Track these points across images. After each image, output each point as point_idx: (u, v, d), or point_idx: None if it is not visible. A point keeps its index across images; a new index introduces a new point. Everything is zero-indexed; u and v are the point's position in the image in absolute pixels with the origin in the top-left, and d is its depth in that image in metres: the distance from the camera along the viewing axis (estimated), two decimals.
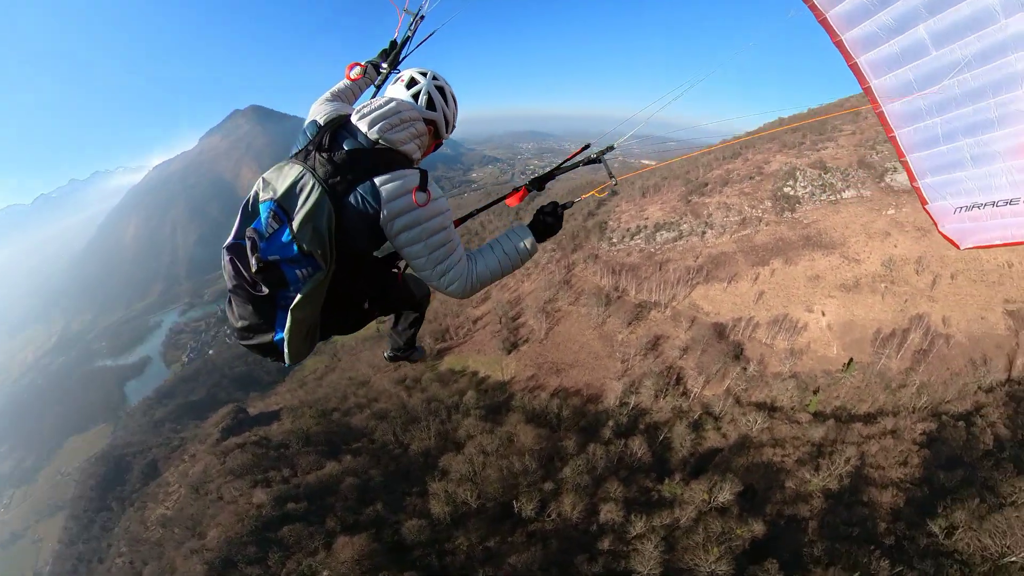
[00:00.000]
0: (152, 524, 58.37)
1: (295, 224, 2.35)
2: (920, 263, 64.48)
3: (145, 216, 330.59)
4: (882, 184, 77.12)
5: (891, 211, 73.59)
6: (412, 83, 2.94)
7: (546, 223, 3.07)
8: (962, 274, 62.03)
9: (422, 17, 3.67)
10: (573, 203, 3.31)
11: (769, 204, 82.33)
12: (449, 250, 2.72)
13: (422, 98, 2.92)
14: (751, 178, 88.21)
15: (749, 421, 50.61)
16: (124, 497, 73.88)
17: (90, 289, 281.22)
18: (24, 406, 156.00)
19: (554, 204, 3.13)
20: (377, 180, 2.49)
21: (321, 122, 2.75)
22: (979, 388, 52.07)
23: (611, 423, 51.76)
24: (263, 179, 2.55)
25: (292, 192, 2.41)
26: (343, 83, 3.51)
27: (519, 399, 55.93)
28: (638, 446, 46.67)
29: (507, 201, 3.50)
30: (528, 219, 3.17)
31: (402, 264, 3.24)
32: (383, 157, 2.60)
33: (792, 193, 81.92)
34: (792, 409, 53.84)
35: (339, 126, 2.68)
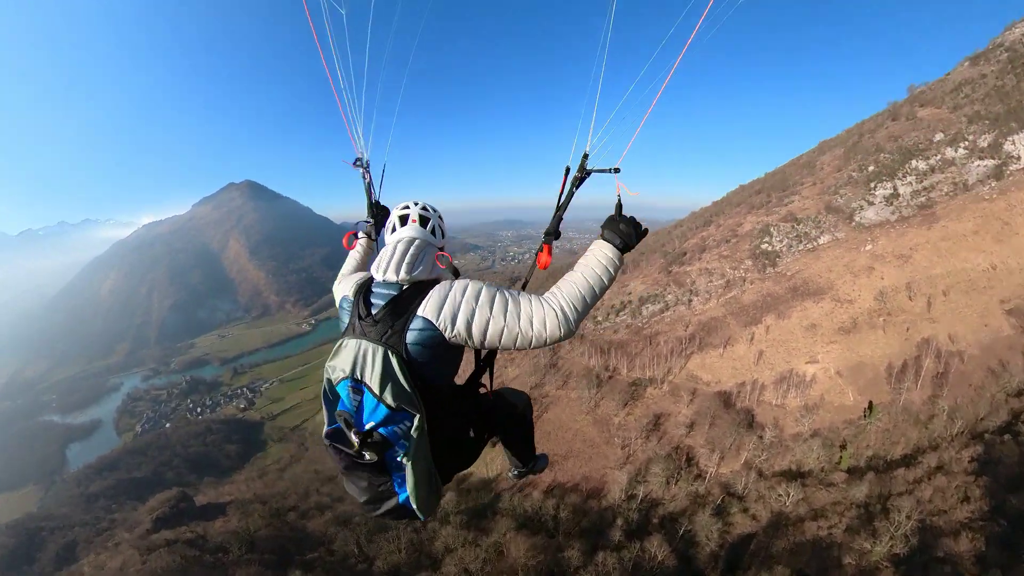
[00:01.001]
0: None
1: (374, 387, 2.35)
2: (911, 288, 61.59)
3: (125, 272, 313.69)
4: (853, 223, 76.08)
5: (868, 246, 71.74)
6: (424, 221, 2.90)
7: (621, 231, 2.65)
8: (953, 288, 59.30)
9: (366, 164, 3.89)
10: (621, 202, 2.76)
11: (750, 263, 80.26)
12: (518, 299, 2.46)
13: (437, 231, 2.94)
14: (727, 241, 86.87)
15: (780, 495, 41.30)
16: None
17: (53, 336, 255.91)
18: None
19: (617, 212, 2.71)
20: (419, 311, 2.43)
21: (351, 295, 2.74)
22: (1008, 395, 47.04)
23: (619, 521, 41.40)
24: (328, 366, 2.54)
25: (357, 363, 2.40)
26: (351, 256, 3.79)
27: (508, 500, 45.60)
28: (656, 546, 36.12)
29: (539, 265, 3.06)
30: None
31: (485, 380, 3.09)
32: (415, 290, 2.54)
33: (770, 248, 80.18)
34: (823, 471, 45.60)
35: (366, 290, 2.68)
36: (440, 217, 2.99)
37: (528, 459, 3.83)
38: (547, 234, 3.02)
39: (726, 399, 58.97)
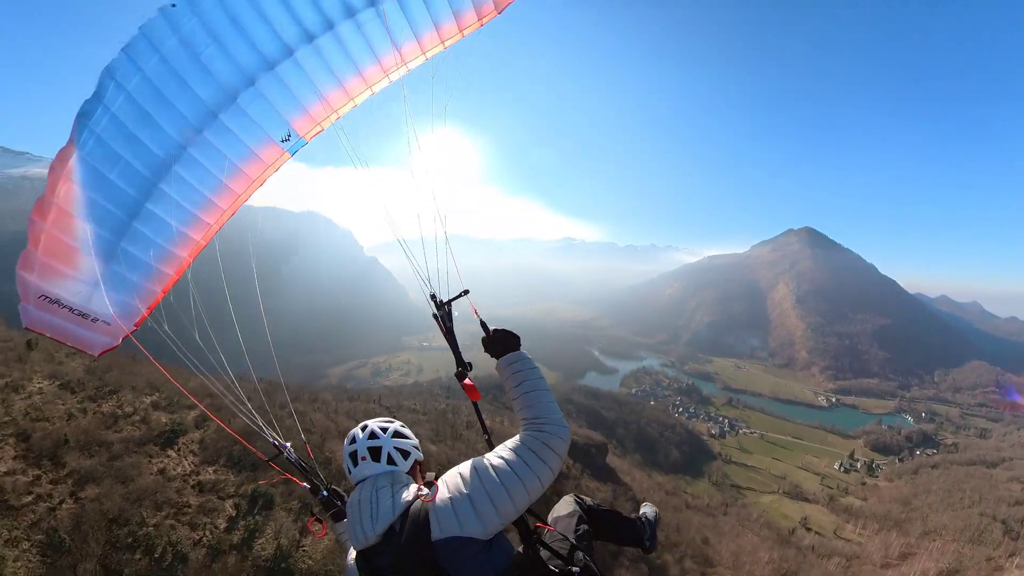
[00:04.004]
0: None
1: None
2: None
3: (684, 286, 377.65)
4: None
5: None
6: (376, 453, 2.41)
7: (502, 339, 2.67)
8: None
9: (286, 451, 3.43)
10: (481, 320, 2.84)
11: None
12: (513, 450, 2.19)
13: (397, 458, 2.44)
14: None
15: None
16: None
17: (619, 309, 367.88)
18: (537, 334, 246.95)
19: (484, 330, 2.76)
20: (436, 536, 2.01)
21: None
22: None
23: None
24: None
25: None
26: (341, 543, 3.12)
27: None
28: None
29: (474, 398, 2.81)
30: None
31: (531, 521, 2.65)
32: (415, 524, 2.08)
33: None
34: None
35: (368, 561, 2.20)
36: (396, 434, 2.49)
37: (637, 531, 3.50)
38: (458, 375, 2.86)
39: None
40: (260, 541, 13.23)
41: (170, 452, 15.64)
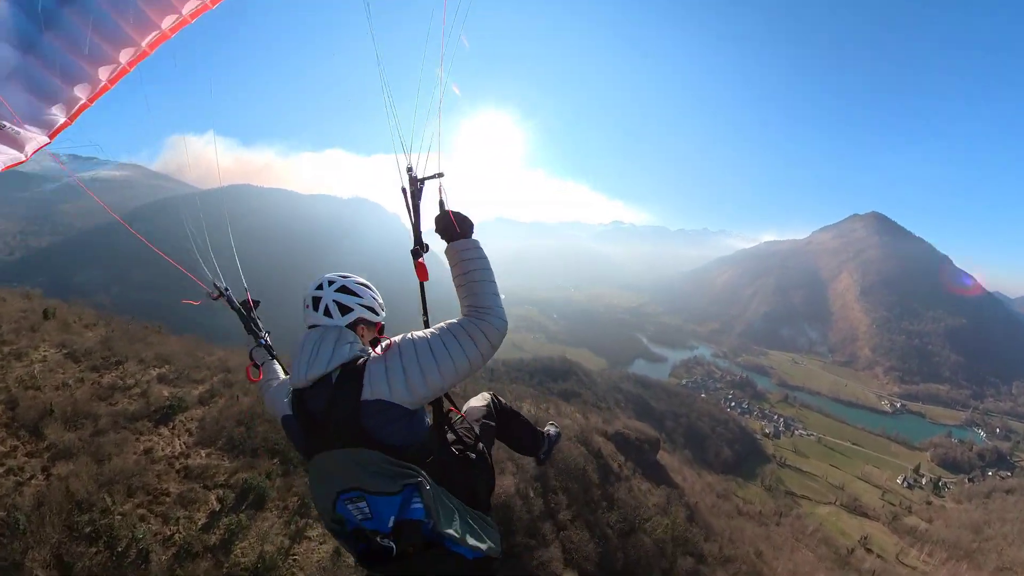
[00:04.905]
0: None
1: (367, 487, 2.04)
2: None
3: (738, 273, 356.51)
4: None
5: None
6: (316, 303, 2.47)
7: (460, 220, 2.48)
8: None
9: (225, 291, 3.62)
10: (442, 200, 2.61)
11: None
12: (451, 332, 2.16)
13: (333, 311, 2.46)
14: None
15: None
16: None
17: (670, 295, 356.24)
18: (584, 319, 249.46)
19: (441, 210, 2.53)
20: (366, 395, 2.09)
21: (291, 411, 2.39)
22: None
23: None
24: (315, 497, 2.26)
25: (336, 475, 2.10)
26: (270, 382, 3.20)
27: None
28: None
29: (422, 279, 2.83)
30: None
31: (445, 405, 2.73)
32: (348, 376, 2.18)
33: None
34: None
35: (301, 400, 2.31)
36: (345, 288, 2.51)
37: (538, 442, 3.68)
38: (414, 252, 2.76)
39: None
40: (241, 545, 11.40)
41: (163, 430, 14.26)
